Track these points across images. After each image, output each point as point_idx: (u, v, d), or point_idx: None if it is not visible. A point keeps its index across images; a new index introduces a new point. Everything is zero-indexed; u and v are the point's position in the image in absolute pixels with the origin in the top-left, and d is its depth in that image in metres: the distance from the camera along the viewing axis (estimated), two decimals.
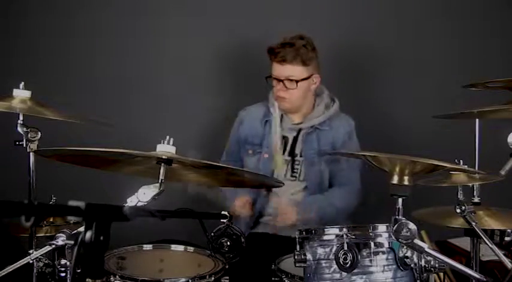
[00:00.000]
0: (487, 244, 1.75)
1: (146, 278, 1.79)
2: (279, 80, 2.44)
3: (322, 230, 1.64)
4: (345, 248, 1.54)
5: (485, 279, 1.41)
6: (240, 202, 2.40)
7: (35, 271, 1.88)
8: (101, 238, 0.98)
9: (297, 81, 2.43)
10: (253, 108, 2.61)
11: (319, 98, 2.55)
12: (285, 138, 2.53)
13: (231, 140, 2.61)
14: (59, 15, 2.91)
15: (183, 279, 1.79)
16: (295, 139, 2.52)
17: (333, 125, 2.54)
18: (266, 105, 2.58)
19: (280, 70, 2.44)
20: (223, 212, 1.77)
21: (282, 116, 2.52)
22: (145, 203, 1.56)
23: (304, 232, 1.66)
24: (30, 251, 1.86)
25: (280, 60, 2.42)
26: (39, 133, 1.90)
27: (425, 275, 1.57)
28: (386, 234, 1.57)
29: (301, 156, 2.52)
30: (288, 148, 2.52)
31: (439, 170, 1.56)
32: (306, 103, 2.52)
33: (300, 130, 2.52)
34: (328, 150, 2.50)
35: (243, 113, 2.61)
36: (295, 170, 2.52)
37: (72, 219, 2.18)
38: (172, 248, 2.10)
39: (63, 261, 1.60)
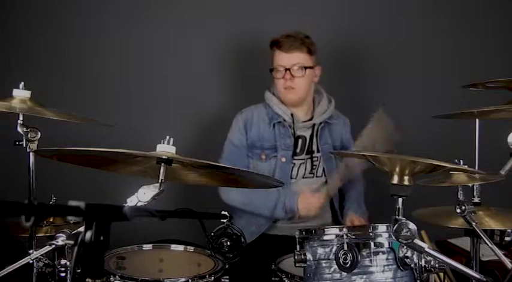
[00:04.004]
0: (487, 244, 1.74)
1: (146, 278, 1.79)
2: (286, 69, 2.43)
3: (322, 230, 1.64)
4: (345, 248, 1.54)
5: (485, 279, 1.40)
6: (302, 203, 2.40)
7: (35, 271, 1.88)
8: (101, 238, 0.98)
9: (305, 68, 2.44)
10: (255, 111, 2.55)
11: (318, 96, 2.57)
12: (301, 137, 2.52)
13: (237, 146, 2.52)
14: (59, 15, 2.92)
15: (183, 279, 1.79)
16: (311, 137, 2.53)
17: (338, 119, 2.58)
18: (265, 107, 2.55)
19: (288, 58, 2.44)
20: (223, 212, 1.77)
21: (292, 116, 2.50)
22: (145, 203, 1.56)
23: (304, 232, 1.66)
24: (30, 251, 1.86)
25: (287, 48, 2.43)
26: (39, 133, 1.89)
27: (425, 275, 1.57)
28: (387, 234, 1.57)
29: (318, 152, 2.53)
30: (306, 147, 2.52)
31: (439, 170, 1.55)
32: (309, 97, 2.54)
33: (313, 127, 2.53)
34: (330, 147, 2.53)
35: (245, 116, 2.54)
36: (313, 167, 2.52)
37: (72, 219, 2.18)
38: (172, 248, 2.10)
39: (63, 261, 1.60)
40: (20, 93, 1.90)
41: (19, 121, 1.89)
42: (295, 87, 2.45)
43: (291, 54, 2.44)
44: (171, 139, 1.58)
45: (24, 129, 1.88)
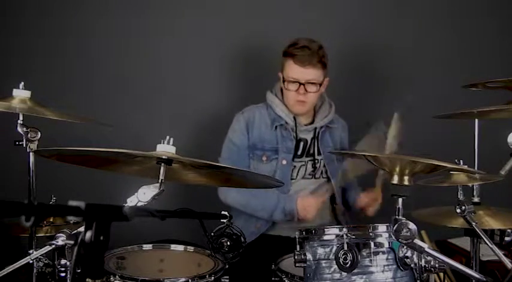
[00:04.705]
0: (487, 244, 1.75)
1: (146, 278, 1.79)
2: (300, 84, 2.39)
3: (322, 230, 1.64)
4: (345, 248, 1.54)
5: (485, 279, 1.41)
6: (301, 205, 2.38)
7: (35, 271, 1.88)
8: (101, 238, 0.98)
9: (320, 85, 2.42)
10: (256, 111, 2.53)
11: (320, 100, 2.56)
12: (302, 140, 2.52)
13: (238, 146, 2.50)
14: (58, 15, 2.91)
15: (183, 279, 1.79)
16: (313, 140, 2.52)
17: (338, 123, 2.59)
18: (266, 108, 2.54)
19: (302, 73, 2.38)
20: (223, 212, 1.77)
21: (294, 118, 2.50)
22: (145, 203, 1.56)
23: (304, 232, 1.66)
24: (30, 251, 1.86)
25: (304, 63, 2.37)
26: (39, 133, 1.90)
27: (425, 275, 1.58)
28: (387, 234, 1.58)
29: (319, 154, 2.53)
30: (307, 149, 2.52)
31: (439, 170, 1.56)
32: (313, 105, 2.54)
33: (315, 130, 2.53)
34: (331, 150, 2.52)
35: (247, 117, 2.52)
36: (314, 170, 2.52)
37: (72, 219, 2.18)
38: (172, 248, 2.10)
39: (63, 261, 1.60)
40: (20, 93, 1.90)
41: (19, 121, 1.89)
42: (306, 101, 2.43)
43: (306, 70, 2.38)
44: (171, 139, 1.58)
45: (24, 129, 1.88)
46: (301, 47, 2.39)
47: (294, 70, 2.40)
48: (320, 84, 2.42)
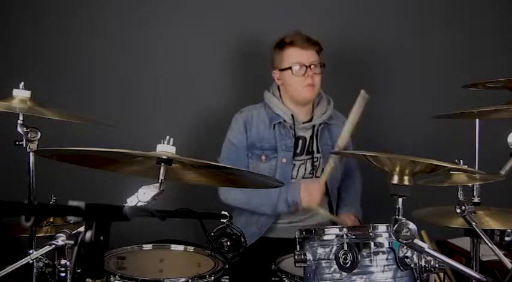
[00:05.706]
0: (487, 244, 1.74)
1: (146, 278, 1.79)
2: (306, 67, 2.42)
3: (322, 230, 1.64)
4: (345, 248, 1.54)
5: (485, 279, 1.41)
6: (305, 189, 2.39)
7: (35, 271, 1.88)
8: (101, 238, 0.98)
9: (324, 65, 2.46)
10: (254, 111, 2.54)
11: (317, 96, 2.56)
12: (301, 138, 2.52)
13: (236, 146, 2.51)
14: (58, 15, 2.91)
15: (183, 279, 1.79)
16: (311, 137, 2.53)
17: (337, 119, 2.58)
18: (264, 107, 2.55)
19: (306, 55, 2.43)
20: (223, 212, 1.77)
21: (292, 116, 2.50)
22: (145, 203, 1.56)
23: (304, 232, 1.66)
24: (30, 251, 1.86)
25: (304, 45, 2.42)
26: (39, 133, 1.90)
27: (425, 275, 1.58)
28: (387, 234, 1.57)
29: (318, 152, 2.53)
30: (306, 147, 2.52)
31: (439, 170, 1.55)
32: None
33: (313, 127, 2.53)
34: (329, 147, 2.52)
35: (245, 116, 2.53)
36: (314, 168, 2.52)
37: (72, 219, 2.18)
38: (172, 248, 2.10)
39: (63, 261, 1.60)
40: (20, 93, 1.90)
41: (19, 121, 1.89)
42: (315, 84, 2.44)
43: (308, 52, 2.43)
44: (171, 139, 1.58)
45: (24, 129, 1.88)
46: (294, 34, 2.45)
47: (297, 54, 2.43)
48: (324, 65, 2.45)
